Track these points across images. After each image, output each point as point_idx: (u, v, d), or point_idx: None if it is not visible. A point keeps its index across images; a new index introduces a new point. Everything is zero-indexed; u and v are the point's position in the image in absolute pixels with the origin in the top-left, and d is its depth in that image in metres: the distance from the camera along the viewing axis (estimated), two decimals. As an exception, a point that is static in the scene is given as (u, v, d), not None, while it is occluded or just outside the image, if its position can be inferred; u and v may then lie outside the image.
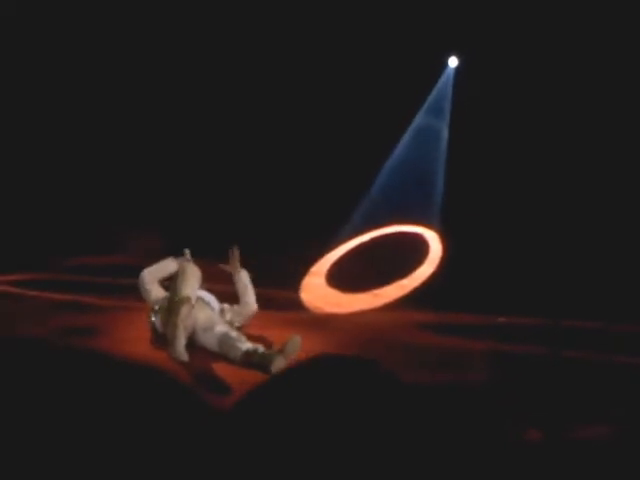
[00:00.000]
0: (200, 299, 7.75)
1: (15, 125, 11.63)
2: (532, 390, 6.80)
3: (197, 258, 8.23)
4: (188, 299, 7.47)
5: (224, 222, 10.83)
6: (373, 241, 11.22)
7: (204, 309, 7.71)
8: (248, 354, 7.14)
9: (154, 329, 7.80)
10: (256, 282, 8.46)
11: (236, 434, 2.23)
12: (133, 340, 7.76)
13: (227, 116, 11.83)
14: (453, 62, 12.10)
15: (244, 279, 8.26)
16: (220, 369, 7.22)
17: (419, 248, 11.10)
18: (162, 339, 7.61)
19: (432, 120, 12.22)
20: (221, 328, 7.53)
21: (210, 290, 8.14)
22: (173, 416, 2.31)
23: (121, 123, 11.82)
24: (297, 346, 7.04)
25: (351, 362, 2.41)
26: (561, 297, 8.62)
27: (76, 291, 9.25)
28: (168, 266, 7.98)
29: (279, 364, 6.84)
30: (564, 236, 10.05)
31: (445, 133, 12.10)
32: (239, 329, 7.79)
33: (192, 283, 7.65)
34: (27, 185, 11.34)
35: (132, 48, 11.66)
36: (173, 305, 7.44)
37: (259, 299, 8.36)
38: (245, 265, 8.42)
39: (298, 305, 9.73)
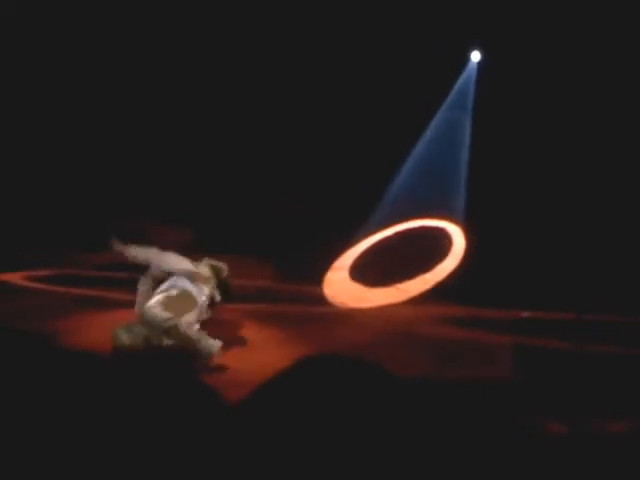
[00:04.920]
0: (187, 293, 7.79)
1: (31, 125, 11.68)
2: (556, 384, 6.80)
3: (217, 254, 8.32)
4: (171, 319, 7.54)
5: (249, 217, 10.88)
6: (396, 236, 11.22)
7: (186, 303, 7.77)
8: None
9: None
10: (281, 277, 8.48)
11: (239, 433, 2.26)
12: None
13: (255, 110, 11.86)
14: (476, 56, 12.07)
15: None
16: (235, 362, 7.30)
17: (442, 242, 11.08)
18: None
19: (455, 114, 12.19)
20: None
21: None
22: (187, 411, 2.34)
23: (134, 124, 11.86)
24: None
25: (351, 363, 2.42)
26: (584, 292, 8.61)
27: (102, 287, 9.33)
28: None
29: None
30: (588, 231, 10.01)
31: (468, 127, 12.07)
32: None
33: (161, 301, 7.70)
34: (56, 183, 11.41)
35: (136, 46, 11.68)
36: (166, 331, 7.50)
37: (284, 294, 8.41)
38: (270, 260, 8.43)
39: (321, 300, 9.76)
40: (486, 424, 2.52)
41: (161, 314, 7.37)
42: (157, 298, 7.58)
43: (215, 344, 7.36)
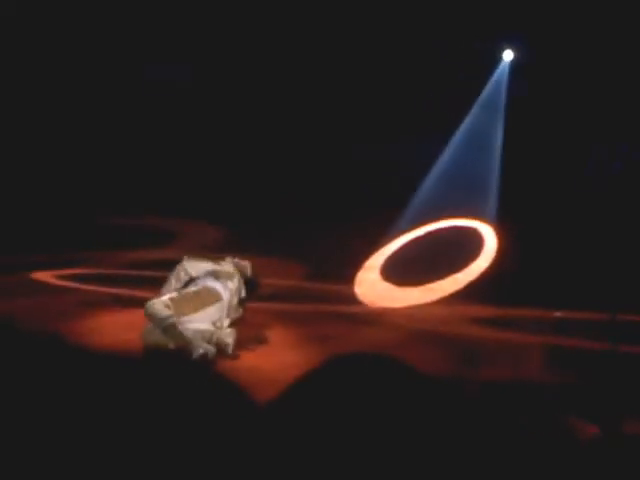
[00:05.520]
0: (207, 289, 7.81)
1: (41, 125, 11.73)
2: (589, 385, 6.74)
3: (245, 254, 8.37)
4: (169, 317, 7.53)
5: (276, 216, 10.89)
6: (428, 235, 11.18)
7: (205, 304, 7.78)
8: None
9: None
10: (311, 276, 8.47)
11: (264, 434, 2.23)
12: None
13: (282, 106, 11.87)
14: (508, 56, 12.00)
15: None
16: (264, 361, 7.30)
17: (474, 242, 11.04)
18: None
19: (487, 114, 12.14)
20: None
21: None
22: (215, 409, 2.32)
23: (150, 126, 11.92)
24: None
25: (380, 363, 2.39)
26: (618, 291, 8.53)
27: (131, 285, 9.36)
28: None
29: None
30: (622, 231, 9.93)
31: (500, 127, 12.02)
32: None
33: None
34: (83, 183, 11.46)
35: (137, 45, 11.71)
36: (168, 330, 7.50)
37: (314, 293, 8.40)
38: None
39: (352, 299, 9.74)
40: (517, 424, 2.48)
41: (161, 312, 7.36)
42: (166, 296, 7.61)
43: (210, 349, 7.33)
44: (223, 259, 8.20)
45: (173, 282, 7.96)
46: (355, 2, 11.55)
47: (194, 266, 8.02)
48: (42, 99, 11.67)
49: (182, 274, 7.94)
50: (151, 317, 7.36)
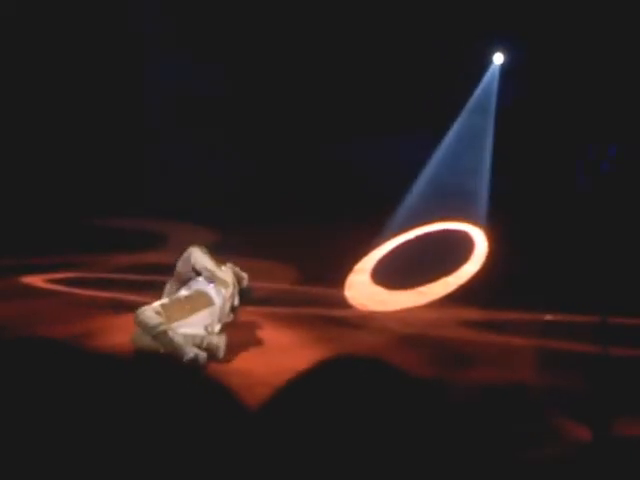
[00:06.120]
0: (200, 293, 7.79)
1: (44, 126, 11.72)
2: (579, 387, 6.75)
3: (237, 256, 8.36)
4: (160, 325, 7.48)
5: (267, 219, 10.89)
6: (418, 239, 11.20)
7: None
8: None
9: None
10: (302, 279, 8.48)
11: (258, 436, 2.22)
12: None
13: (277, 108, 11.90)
14: (498, 59, 12.03)
15: None
16: (255, 364, 7.28)
17: (464, 245, 11.05)
18: None
19: (477, 117, 12.17)
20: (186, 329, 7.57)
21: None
22: (204, 413, 2.31)
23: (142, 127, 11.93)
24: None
25: (370, 366, 2.39)
26: (608, 294, 8.54)
27: (122, 289, 9.35)
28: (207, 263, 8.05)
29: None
30: (613, 233, 9.94)
31: (491, 130, 12.05)
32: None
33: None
34: (73, 185, 11.45)
35: (136, 46, 11.71)
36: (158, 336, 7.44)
37: (304, 296, 8.39)
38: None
39: (342, 302, 9.73)
40: (512, 427, 2.48)
41: (151, 319, 7.31)
42: (157, 302, 7.56)
43: (200, 353, 7.29)
44: (224, 264, 8.19)
45: (180, 265, 7.96)
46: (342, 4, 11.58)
47: (198, 257, 7.98)
48: (41, 99, 11.67)
49: (186, 265, 7.94)
50: (141, 324, 7.31)
